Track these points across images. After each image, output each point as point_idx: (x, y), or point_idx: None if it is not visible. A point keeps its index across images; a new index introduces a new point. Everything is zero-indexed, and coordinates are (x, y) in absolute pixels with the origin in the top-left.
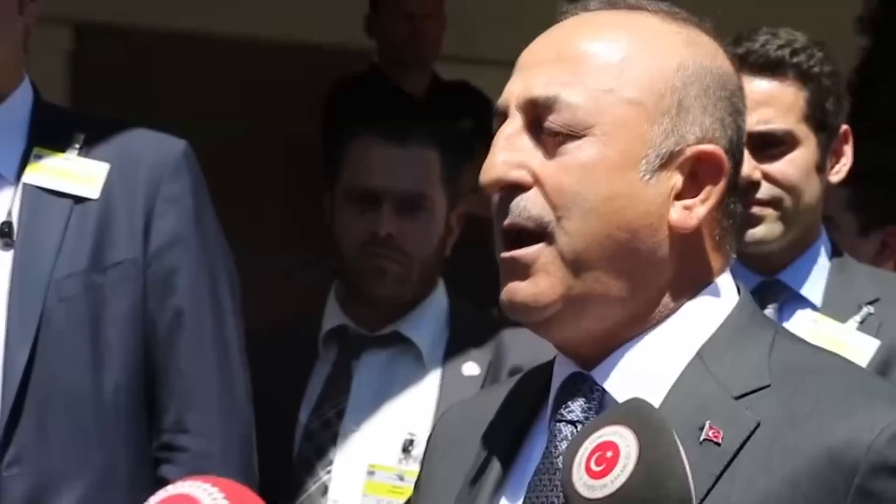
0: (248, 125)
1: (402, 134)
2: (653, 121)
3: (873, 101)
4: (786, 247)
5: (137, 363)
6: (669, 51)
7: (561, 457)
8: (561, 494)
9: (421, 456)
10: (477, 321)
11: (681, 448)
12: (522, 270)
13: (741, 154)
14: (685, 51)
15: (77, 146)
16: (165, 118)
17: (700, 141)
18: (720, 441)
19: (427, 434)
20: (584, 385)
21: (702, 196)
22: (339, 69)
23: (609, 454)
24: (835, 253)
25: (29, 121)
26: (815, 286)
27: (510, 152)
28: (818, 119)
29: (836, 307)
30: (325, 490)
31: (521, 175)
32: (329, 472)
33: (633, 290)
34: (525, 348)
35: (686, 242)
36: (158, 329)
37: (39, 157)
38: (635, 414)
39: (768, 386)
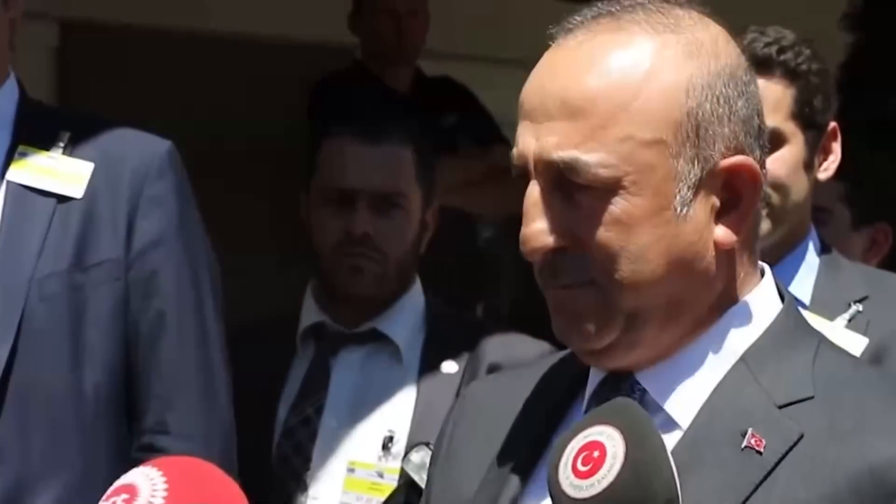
0: (236, 122)
1: (376, 132)
2: (677, 154)
3: (859, 99)
4: (774, 244)
5: (118, 364)
6: (674, 72)
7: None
8: None
9: (403, 451)
10: (454, 319)
11: (667, 448)
12: (577, 315)
13: (766, 144)
14: (689, 65)
15: (62, 144)
16: (151, 116)
17: (726, 154)
18: (762, 450)
19: (406, 432)
20: (625, 384)
21: (741, 208)
22: (323, 65)
23: (596, 454)
24: (824, 250)
25: (14, 118)
26: (803, 284)
27: (543, 219)
28: (806, 117)
29: (824, 305)
30: (304, 487)
31: (561, 240)
32: (308, 469)
33: (686, 313)
34: (503, 346)
35: (730, 254)
36: (140, 330)
37: (24, 154)
38: (623, 414)
39: (812, 397)
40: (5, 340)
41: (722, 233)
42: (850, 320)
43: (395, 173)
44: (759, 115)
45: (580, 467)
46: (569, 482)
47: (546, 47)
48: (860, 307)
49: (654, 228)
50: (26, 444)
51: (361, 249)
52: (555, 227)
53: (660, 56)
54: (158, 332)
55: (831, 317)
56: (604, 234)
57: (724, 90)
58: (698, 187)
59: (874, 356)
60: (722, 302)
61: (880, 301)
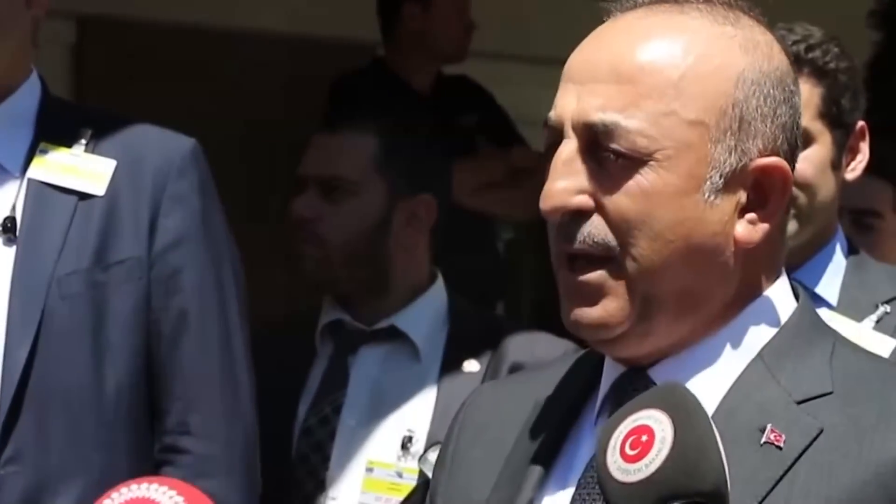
0: (252, 119)
1: (335, 121)
2: (715, 140)
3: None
4: (801, 245)
5: (140, 363)
6: (728, 62)
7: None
8: None
9: (421, 451)
10: (477, 318)
11: (716, 433)
12: (590, 295)
13: (797, 157)
14: (743, 59)
15: (84, 142)
16: (169, 113)
17: (763, 153)
18: (781, 445)
19: (425, 432)
20: (640, 383)
21: (767, 209)
22: (345, 63)
23: (644, 438)
24: (851, 251)
25: (36, 115)
26: (830, 285)
27: (569, 178)
28: (833, 116)
29: (851, 306)
30: (323, 487)
31: (583, 201)
32: (327, 468)
33: (701, 306)
34: (526, 345)
35: (750, 254)
36: (162, 329)
37: (45, 151)
38: (671, 398)
39: (830, 393)
40: (25, 340)
41: (743, 230)
42: (877, 322)
43: (344, 160)
44: (797, 126)
45: (628, 451)
46: (617, 466)
47: (560, 45)
48: (888, 308)
49: (679, 209)
50: (46, 444)
51: (303, 234)
52: (578, 189)
53: (716, 43)
54: (180, 332)
55: (859, 318)
56: (629, 203)
57: (771, 91)
58: (730, 179)
59: None
60: (739, 299)
61: None
